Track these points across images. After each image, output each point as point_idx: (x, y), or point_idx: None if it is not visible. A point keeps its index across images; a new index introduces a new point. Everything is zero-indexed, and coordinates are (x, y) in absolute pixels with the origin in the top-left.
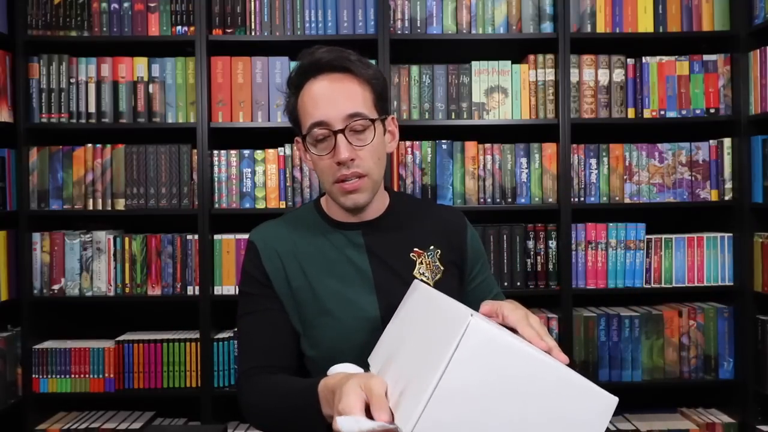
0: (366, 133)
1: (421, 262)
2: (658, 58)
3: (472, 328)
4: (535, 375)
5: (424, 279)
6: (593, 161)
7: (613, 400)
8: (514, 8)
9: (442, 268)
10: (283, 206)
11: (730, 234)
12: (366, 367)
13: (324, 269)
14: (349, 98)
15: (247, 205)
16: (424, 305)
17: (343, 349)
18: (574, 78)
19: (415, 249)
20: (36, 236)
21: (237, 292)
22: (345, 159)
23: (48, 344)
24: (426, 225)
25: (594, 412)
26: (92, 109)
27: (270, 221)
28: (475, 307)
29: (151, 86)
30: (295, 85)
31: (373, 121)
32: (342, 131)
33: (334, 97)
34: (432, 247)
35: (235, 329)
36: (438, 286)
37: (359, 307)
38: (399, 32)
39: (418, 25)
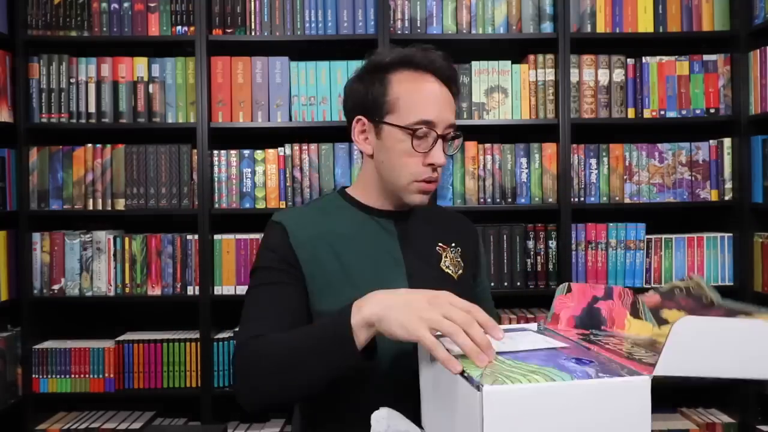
0: (452, 144)
1: (446, 256)
2: (658, 58)
3: (487, 396)
4: (565, 399)
5: (449, 272)
6: (593, 161)
7: (644, 379)
8: (514, 8)
9: (462, 264)
10: (283, 206)
11: (730, 234)
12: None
13: (359, 253)
14: (452, 109)
15: (247, 205)
16: (439, 379)
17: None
18: (574, 78)
19: (441, 243)
20: (36, 236)
21: (236, 291)
22: (442, 164)
23: (48, 344)
24: (447, 225)
25: (634, 398)
26: (92, 109)
27: (293, 207)
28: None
29: (151, 86)
30: (391, 68)
31: (459, 136)
32: (444, 137)
33: (445, 102)
34: (454, 245)
35: (236, 329)
36: (461, 280)
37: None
38: (399, 32)
39: (418, 25)
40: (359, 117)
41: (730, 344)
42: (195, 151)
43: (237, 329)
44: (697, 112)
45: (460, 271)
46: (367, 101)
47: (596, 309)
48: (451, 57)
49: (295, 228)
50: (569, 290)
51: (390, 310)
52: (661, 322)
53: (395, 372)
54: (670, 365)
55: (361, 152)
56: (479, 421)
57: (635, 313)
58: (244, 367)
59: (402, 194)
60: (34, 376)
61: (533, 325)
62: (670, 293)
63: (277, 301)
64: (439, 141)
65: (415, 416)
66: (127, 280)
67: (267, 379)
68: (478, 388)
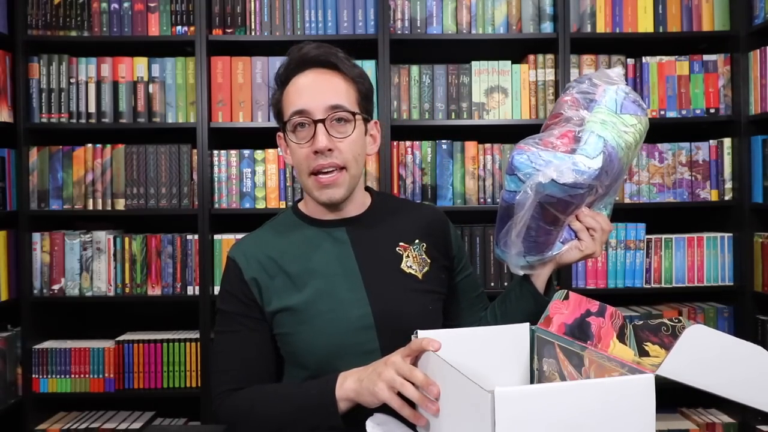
0: (346, 126)
1: (408, 256)
2: (658, 58)
3: (499, 400)
4: (573, 399)
5: (412, 272)
6: None
7: (648, 377)
8: (514, 8)
9: (429, 260)
10: (283, 206)
11: (730, 234)
12: None
13: (309, 270)
14: (333, 91)
15: (247, 205)
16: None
17: (338, 352)
18: (574, 78)
19: (401, 243)
20: (36, 236)
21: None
22: (322, 147)
23: (48, 344)
24: (409, 220)
25: (639, 396)
26: (92, 109)
27: (249, 234)
28: (465, 297)
29: (151, 86)
30: (282, 79)
31: (354, 114)
32: (322, 121)
33: (318, 88)
34: (417, 241)
35: None
36: (427, 278)
37: (350, 304)
38: (399, 32)
39: (418, 25)
40: (279, 133)
41: (733, 363)
42: (195, 151)
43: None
44: (697, 112)
45: (426, 269)
46: (277, 116)
47: (587, 323)
48: (332, 46)
49: (246, 263)
50: (566, 297)
51: (362, 383)
52: (643, 353)
53: None
54: (674, 368)
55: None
56: (490, 422)
57: (621, 338)
58: (230, 420)
59: (311, 194)
60: (34, 376)
61: (525, 325)
62: (656, 327)
63: (240, 350)
64: (319, 126)
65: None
66: (127, 280)
67: (258, 426)
68: (490, 391)
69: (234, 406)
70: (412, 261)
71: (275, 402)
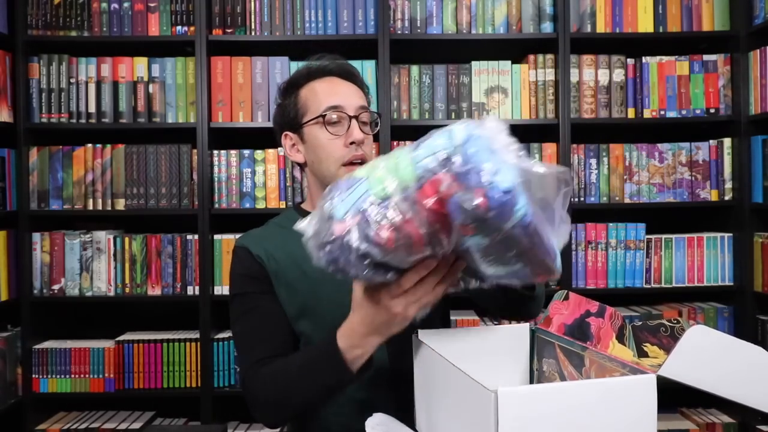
0: (368, 127)
1: None
2: (658, 58)
3: (502, 399)
4: (575, 398)
5: None
6: (593, 161)
7: (650, 378)
8: (514, 8)
9: None
10: (283, 206)
11: (730, 234)
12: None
13: (314, 269)
14: (358, 95)
15: (247, 205)
16: (438, 381)
17: None
18: (574, 78)
19: None
20: (36, 236)
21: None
22: (360, 138)
23: (48, 344)
24: None
25: (641, 396)
26: (92, 109)
27: (253, 230)
28: None
29: (151, 86)
30: (299, 84)
31: (379, 115)
32: (356, 117)
33: (347, 89)
34: None
35: None
36: None
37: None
38: (399, 32)
39: (418, 25)
40: (285, 133)
41: (733, 363)
42: (195, 151)
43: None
44: (697, 112)
45: None
46: (286, 118)
47: (587, 323)
48: (346, 60)
49: (256, 246)
50: (566, 298)
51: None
52: (642, 354)
53: (388, 377)
54: (676, 368)
55: (300, 167)
56: (493, 422)
57: (620, 338)
58: (255, 394)
59: None
60: (34, 376)
61: (525, 325)
62: (655, 328)
63: (260, 324)
64: (353, 120)
65: (410, 421)
66: (127, 280)
67: (280, 399)
68: (492, 390)
69: (260, 382)
70: None
71: (289, 369)
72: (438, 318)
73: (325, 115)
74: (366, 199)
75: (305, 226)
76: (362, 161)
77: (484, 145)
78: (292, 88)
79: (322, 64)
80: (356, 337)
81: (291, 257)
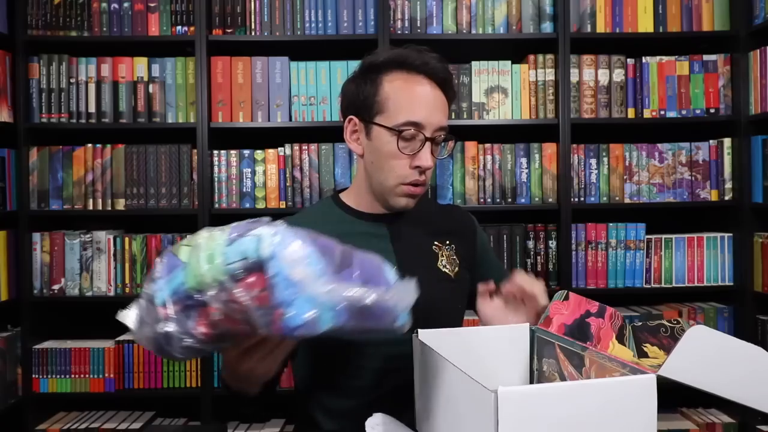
0: (440, 148)
1: (443, 255)
2: (658, 58)
3: (502, 399)
4: (576, 398)
5: (446, 271)
6: (593, 161)
7: (650, 378)
8: (514, 8)
9: (458, 261)
10: (283, 206)
11: (730, 234)
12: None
13: None
14: (443, 112)
15: (247, 205)
16: (438, 381)
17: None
18: (574, 78)
19: (436, 242)
20: (36, 236)
21: None
22: (429, 167)
23: (48, 344)
24: (442, 223)
25: (641, 395)
26: (92, 109)
27: (287, 217)
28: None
29: (151, 86)
30: (385, 69)
31: (452, 137)
32: (432, 139)
33: (435, 105)
34: (448, 242)
35: None
36: (458, 278)
37: None
38: (399, 32)
39: (418, 25)
40: (351, 117)
41: (733, 364)
42: (195, 151)
43: None
44: (697, 112)
45: (456, 269)
46: (358, 101)
47: (587, 323)
48: (446, 60)
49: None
50: (566, 298)
51: None
52: (641, 354)
53: (386, 379)
54: (676, 368)
55: (355, 153)
56: (493, 422)
57: (620, 338)
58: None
59: (388, 196)
60: (34, 376)
61: (525, 325)
62: (655, 328)
63: None
64: (427, 144)
65: (410, 422)
66: (127, 280)
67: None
68: (493, 390)
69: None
70: (446, 260)
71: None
72: (460, 312)
73: (402, 130)
74: (183, 289)
75: (127, 316)
76: (423, 185)
77: (284, 272)
78: (374, 69)
79: (422, 57)
80: (227, 379)
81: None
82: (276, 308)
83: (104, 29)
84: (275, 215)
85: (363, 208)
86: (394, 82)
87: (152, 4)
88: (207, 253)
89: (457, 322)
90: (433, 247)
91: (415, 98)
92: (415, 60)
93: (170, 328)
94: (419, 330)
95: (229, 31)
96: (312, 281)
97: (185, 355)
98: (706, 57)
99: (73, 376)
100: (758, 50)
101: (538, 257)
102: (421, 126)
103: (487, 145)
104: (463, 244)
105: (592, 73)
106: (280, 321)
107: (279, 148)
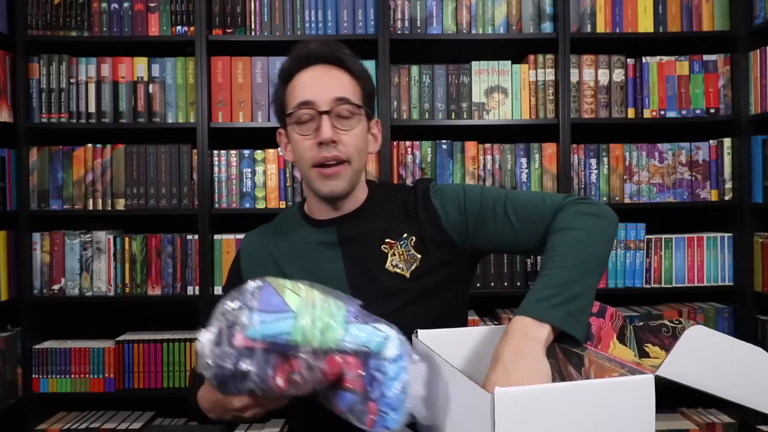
0: (351, 120)
1: (393, 254)
2: (658, 58)
3: (499, 400)
4: (573, 399)
5: (398, 271)
6: (593, 161)
7: (647, 378)
8: (514, 8)
9: (419, 255)
10: (283, 206)
11: (730, 234)
12: None
13: (300, 270)
14: (339, 84)
15: (247, 205)
16: (436, 382)
17: None
18: (574, 78)
19: (387, 240)
20: (36, 236)
21: None
22: (327, 138)
23: (48, 344)
24: (393, 213)
25: (639, 396)
26: (92, 109)
27: (259, 227)
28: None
29: (151, 86)
30: (286, 75)
31: (358, 107)
32: (327, 112)
33: (324, 81)
34: (405, 235)
35: None
36: (415, 275)
37: None
38: (399, 32)
39: (418, 25)
40: (279, 130)
41: (733, 364)
42: (195, 151)
43: None
44: (697, 112)
45: (415, 265)
46: (277, 113)
47: (588, 324)
48: (337, 43)
49: (247, 257)
50: None
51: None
52: (643, 354)
53: None
54: (674, 368)
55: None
56: (490, 423)
57: (621, 338)
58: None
59: (312, 187)
60: (34, 376)
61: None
62: (657, 328)
63: None
64: (325, 117)
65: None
66: (127, 280)
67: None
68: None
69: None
70: (398, 259)
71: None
72: (461, 316)
73: (293, 113)
74: (285, 339)
75: (203, 336)
76: (337, 161)
77: (402, 378)
78: (282, 79)
79: (308, 49)
80: (204, 403)
81: (272, 257)
82: (372, 400)
83: (104, 29)
84: (275, 215)
85: (315, 214)
86: (292, 82)
87: (152, 4)
88: (324, 322)
89: (422, 321)
90: (383, 247)
91: (300, 83)
92: (301, 55)
93: (251, 367)
94: (419, 330)
95: (229, 31)
96: (414, 397)
97: (233, 389)
98: (706, 57)
99: (73, 376)
100: (758, 50)
101: (539, 257)
102: (311, 103)
103: (487, 145)
104: (426, 230)
105: (592, 73)
106: (375, 415)
107: (279, 148)
